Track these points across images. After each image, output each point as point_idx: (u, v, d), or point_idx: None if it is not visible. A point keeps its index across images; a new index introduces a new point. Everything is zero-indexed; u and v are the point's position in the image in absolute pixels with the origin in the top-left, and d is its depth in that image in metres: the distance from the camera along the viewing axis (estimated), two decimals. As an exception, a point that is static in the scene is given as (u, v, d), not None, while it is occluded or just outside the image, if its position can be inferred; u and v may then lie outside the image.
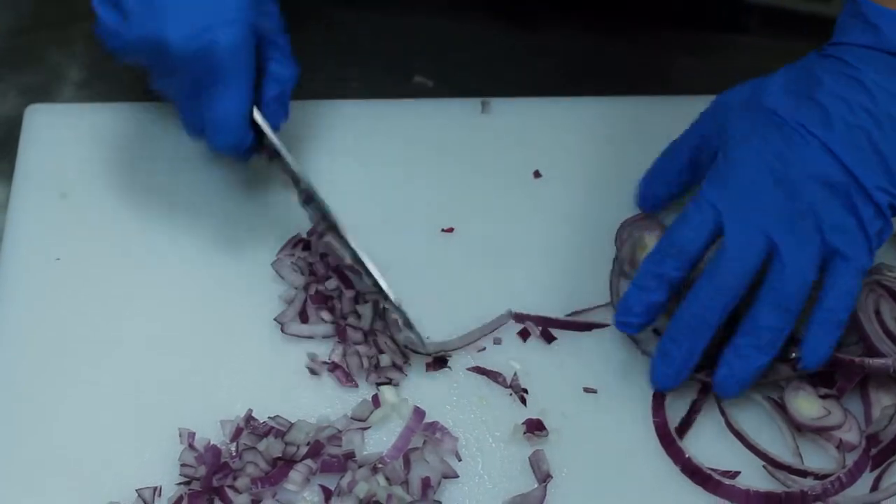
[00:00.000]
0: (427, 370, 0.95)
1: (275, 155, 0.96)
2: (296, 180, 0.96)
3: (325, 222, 0.96)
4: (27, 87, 1.16)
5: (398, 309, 0.93)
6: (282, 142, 0.95)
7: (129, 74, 1.12)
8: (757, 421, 0.94)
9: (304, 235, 1.02)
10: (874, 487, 0.90)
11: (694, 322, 0.89)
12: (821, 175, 0.88)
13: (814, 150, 0.88)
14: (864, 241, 0.88)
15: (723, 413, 0.93)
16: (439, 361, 0.95)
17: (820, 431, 0.92)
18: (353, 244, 0.95)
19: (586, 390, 0.94)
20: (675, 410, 0.94)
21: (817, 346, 0.89)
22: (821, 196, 0.88)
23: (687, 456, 0.91)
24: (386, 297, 0.94)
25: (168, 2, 0.87)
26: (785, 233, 0.87)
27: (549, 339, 0.97)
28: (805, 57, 0.94)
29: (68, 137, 1.07)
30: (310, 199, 0.97)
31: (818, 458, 0.92)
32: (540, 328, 0.97)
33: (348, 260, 0.96)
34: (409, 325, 0.94)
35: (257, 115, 0.94)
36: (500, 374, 0.95)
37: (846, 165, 0.87)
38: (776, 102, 0.91)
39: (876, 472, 0.91)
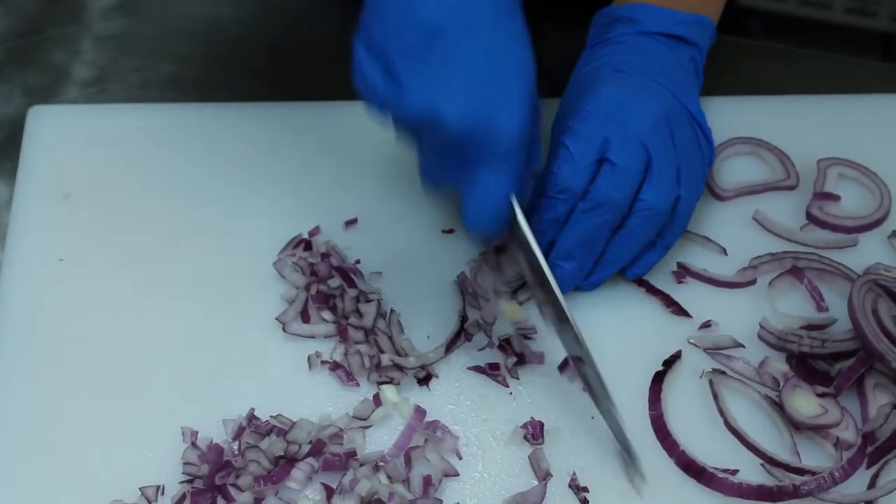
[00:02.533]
0: (419, 385, 0.96)
1: (516, 242, 0.91)
2: (533, 266, 0.91)
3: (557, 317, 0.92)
4: (32, 88, 1.17)
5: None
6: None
7: (135, 76, 1.14)
8: (755, 419, 0.94)
9: (305, 235, 1.02)
10: (871, 485, 0.91)
11: (586, 239, 0.96)
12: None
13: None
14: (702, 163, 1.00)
15: (721, 413, 0.94)
16: (426, 378, 0.96)
17: (817, 430, 0.92)
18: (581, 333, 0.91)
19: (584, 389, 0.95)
20: (672, 404, 0.95)
21: (648, 262, 1.00)
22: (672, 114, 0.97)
23: (681, 449, 0.91)
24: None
25: (449, 74, 0.81)
26: (658, 152, 0.95)
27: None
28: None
29: (71, 138, 1.08)
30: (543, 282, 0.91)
31: (816, 455, 0.92)
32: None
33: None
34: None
35: (514, 202, 0.88)
36: (499, 374, 0.96)
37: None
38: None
39: (873, 470, 0.92)
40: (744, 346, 0.98)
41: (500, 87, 0.82)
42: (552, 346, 0.97)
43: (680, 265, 1.02)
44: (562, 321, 0.91)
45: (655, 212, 0.95)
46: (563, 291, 0.91)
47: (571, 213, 0.95)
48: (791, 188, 1.08)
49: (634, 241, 0.97)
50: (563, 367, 0.97)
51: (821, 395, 0.94)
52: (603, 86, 0.97)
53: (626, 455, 0.90)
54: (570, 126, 0.95)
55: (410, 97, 0.81)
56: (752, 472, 0.91)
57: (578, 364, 0.92)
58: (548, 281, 0.90)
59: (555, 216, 0.96)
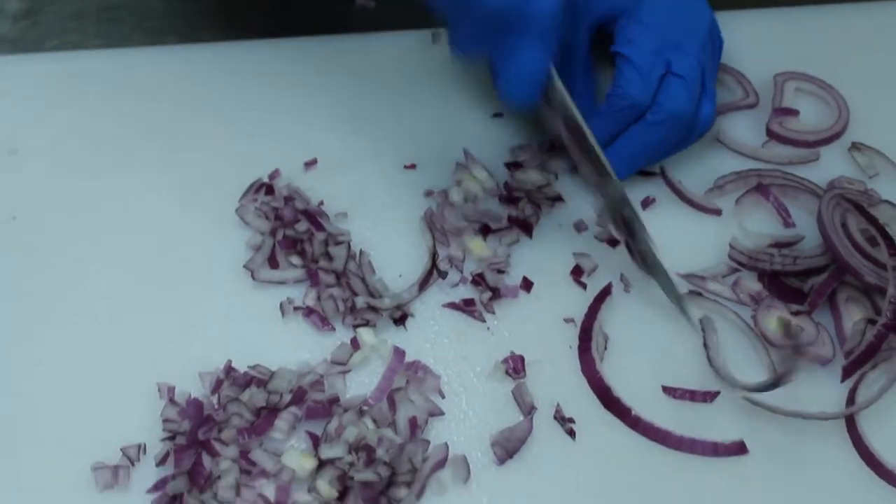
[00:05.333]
0: (396, 326, 0.95)
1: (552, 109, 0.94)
2: (571, 129, 0.95)
3: (598, 177, 0.96)
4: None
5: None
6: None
7: (68, 6, 1.10)
8: (734, 340, 0.95)
9: (266, 179, 1.00)
10: (850, 401, 0.92)
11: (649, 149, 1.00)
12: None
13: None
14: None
15: (706, 347, 0.94)
16: (402, 318, 0.95)
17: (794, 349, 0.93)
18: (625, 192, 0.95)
19: (566, 321, 0.94)
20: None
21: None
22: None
23: (607, 384, 0.92)
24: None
25: None
26: (708, 58, 0.99)
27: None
28: None
29: (10, 90, 1.04)
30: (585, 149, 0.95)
31: (804, 377, 0.93)
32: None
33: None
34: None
35: (552, 69, 0.91)
36: (475, 309, 0.95)
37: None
38: None
39: (850, 384, 0.93)
40: None
41: None
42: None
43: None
44: (602, 175, 0.94)
45: (710, 124, 1.00)
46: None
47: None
48: (751, 106, 1.08)
49: (685, 147, 1.02)
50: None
51: (795, 314, 0.95)
52: None
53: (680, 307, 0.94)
54: (631, 38, 0.97)
55: None
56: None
57: (622, 230, 0.96)
58: (587, 139, 0.93)
59: (617, 129, 0.98)
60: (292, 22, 1.12)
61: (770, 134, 1.06)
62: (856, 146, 1.05)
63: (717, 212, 1.01)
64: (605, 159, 0.94)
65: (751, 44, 1.11)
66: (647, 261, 0.95)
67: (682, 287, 0.96)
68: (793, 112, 1.07)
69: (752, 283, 0.97)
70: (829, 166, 1.04)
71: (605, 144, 0.99)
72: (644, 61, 0.96)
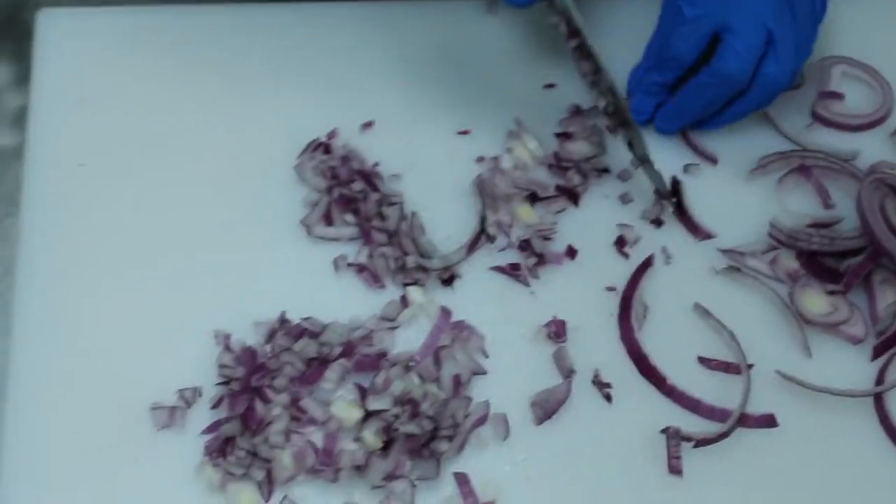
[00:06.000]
0: (443, 286, 0.98)
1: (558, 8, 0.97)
2: (571, 28, 0.98)
3: (595, 75, 0.99)
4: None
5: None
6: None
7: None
8: (768, 316, 0.98)
9: (323, 138, 1.03)
10: (879, 380, 0.95)
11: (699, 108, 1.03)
12: None
13: None
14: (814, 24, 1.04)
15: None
16: (450, 279, 0.98)
17: (827, 327, 0.96)
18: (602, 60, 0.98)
19: (608, 289, 0.98)
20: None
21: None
22: None
23: (644, 352, 0.95)
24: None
25: None
26: (780, 25, 0.98)
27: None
28: None
29: (84, 43, 1.08)
30: (583, 49, 0.98)
31: (828, 350, 0.96)
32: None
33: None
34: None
35: None
36: (520, 273, 0.98)
37: None
38: None
39: (879, 364, 0.96)
40: None
41: None
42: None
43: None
44: (597, 72, 0.98)
45: (778, 86, 1.00)
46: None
47: (680, 79, 1.02)
48: (797, 87, 1.10)
49: (746, 110, 1.03)
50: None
51: (830, 293, 0.97)
52: None
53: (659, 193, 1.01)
54: None
55: None
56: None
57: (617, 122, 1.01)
58: (586, 42, 0.97)
59: (662, 81, 1.01)
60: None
61: (815, 116, 1.08)
62: (899, 132, 1.08)
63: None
64: (603, 62, 0.97)
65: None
66: (635, 152, 1.00)
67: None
68: (838, 95, 1.09)
69: (789, 262, 1.00)
70: (871, 150, 1.07)
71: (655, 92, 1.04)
72: (692, 13, 0.98)
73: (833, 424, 0.93)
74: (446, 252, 0.99)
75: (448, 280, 0.98)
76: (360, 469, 0.88)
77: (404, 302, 0.96)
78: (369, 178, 1.00)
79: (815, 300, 0.97)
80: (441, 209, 1.01)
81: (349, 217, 1.00)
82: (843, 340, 0.97)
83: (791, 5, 0.99)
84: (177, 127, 1.04)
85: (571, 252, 1.00)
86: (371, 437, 0.89)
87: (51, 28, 1.08)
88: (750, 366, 0.94)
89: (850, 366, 0.96)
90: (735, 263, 1.00)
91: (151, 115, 1.04)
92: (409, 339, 0.95)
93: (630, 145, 1.01)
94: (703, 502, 0.90)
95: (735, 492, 0.90)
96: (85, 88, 1.05)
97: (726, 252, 1.00)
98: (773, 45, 0.98)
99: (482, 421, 0.91)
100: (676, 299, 0.98)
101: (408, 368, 0.92)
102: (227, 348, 0.93)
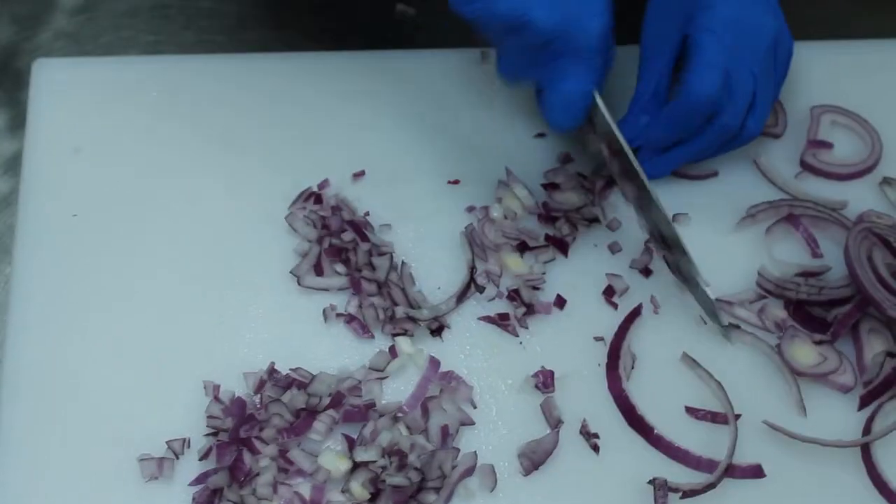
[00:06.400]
0: (432, 336, 0.98)
1: (600, 132, 0.99)
2: (614, 149, 0.99)
3: (640, 198, 1.01)
4: (19, 16, 1.18)
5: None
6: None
7: (122, 4, 1.14)
8: (761, 370, 0.98)
9: (315, 188, 1.04)
10: (866, 430, 0.95)
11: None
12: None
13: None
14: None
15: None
16: (439, 329, 0.99)
17: (817, 378, 0.96)
18: (666, 213, 0.99)
19: (596, 339, 0.98)
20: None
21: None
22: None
23: (632, 402, 0.96)
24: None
25: None
26: (763, 75, 1.01)
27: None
28: None
29: (78, 92, 1.09)
30: (628, 172, 1.00)
31: (821, 400, 0.97)
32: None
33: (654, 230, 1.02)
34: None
35: (597, 95, 0.96)
36: (509, 323, 0.99)
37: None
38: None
39: (867, 413, 0.96)
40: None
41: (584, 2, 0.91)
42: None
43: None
44: (646, 197, 0.99)
45: (754, 137, 1.04)
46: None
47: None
48: (776, 136, 1.11)
49: (722, 153, 1.06)
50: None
51: (818, 343, 0.98)
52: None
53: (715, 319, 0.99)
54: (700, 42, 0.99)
55: (502, 6, 0.89)
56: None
57: (661, 245, 1.02)
58: (633, 166, 0.98)
59: (684, 128, 1.02)
60: (335, 24, 1.15)
61: (804, 165, 1.09)
62: (887, 181, 1.08)
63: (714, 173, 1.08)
64: (649, 183, 0.97)
65: (790, 74, 1.13)
66: (682, 273, 1.00)
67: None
68: (827, 145, 1.10)
69: (777, 311, 1.00)
70: (859, 199, 1.07)
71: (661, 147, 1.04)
72: (712, 57, 0.99)
73: (820, 474, 0.93)
74: (436, 302, 0.99)
75: (437, 330, 0.98)
76: (347, 520, 0.89)
77: (393, 352, 0.97)
78: (360, 228, 1.01)
79: (804, 351, 0.98)
80: (431, 259, 1.02)
81: (339, 267, 1.00)
82: (833, 389, 0.97)
83: (774, 58, 1.02)
84: (168, 177, 1.05)
85: (560, 302, 1.00)
86: (359, 488, 0.89)
87: (46, 77, 1.09)
88: (738, 416, 0.94)
89: (837, 415, 0.96)
90: (731, 321, 1.00)
91: (143, 164, 1.05)
92: (397, 390, 0.96)
93: (677, 268, 1.01)
94: (690, 554, 0.90)
95: (722, 542, 0.91)
96: (79, 137, 1.06)
97: (714, 301, 1.00)
98: (755, 102, 1.01)
99: (470, 472, 0.92)
100: (664, 349, 0.99)
101: (396, 419, 0.93)
102: (217, 399, 0.94)
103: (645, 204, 1.00)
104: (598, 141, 1.00)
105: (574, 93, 0.94)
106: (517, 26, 0.90)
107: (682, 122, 1.01)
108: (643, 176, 0.97)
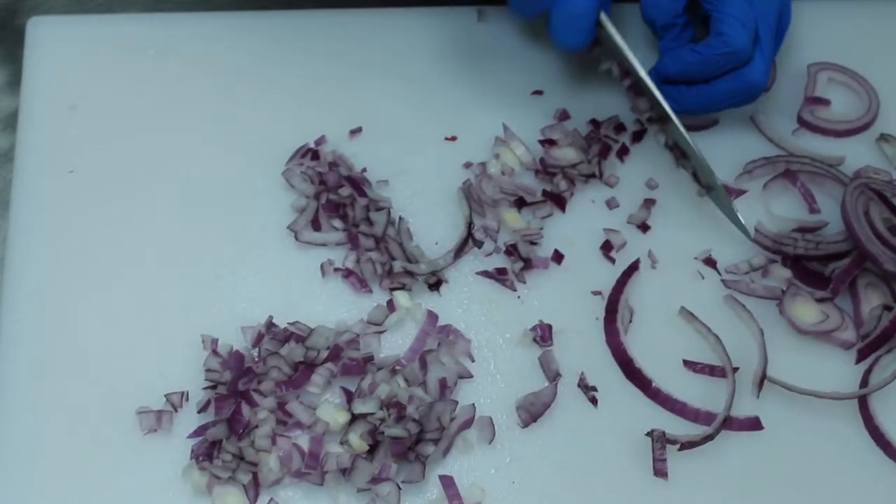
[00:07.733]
0: (430, 291, 0.98)
1: (609, 50, 1.03)
2: (630, 72, 1.02)
3: (655, 110, 1.04)
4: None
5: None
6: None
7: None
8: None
9: (312, 145, 1.04)
10: (863, 383, 0.95)
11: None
12: None
13: None
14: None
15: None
16: (437, 283, 0.99)
17: (820, 335, 0.97)
18: (683, 130, 1.01)
19: (593, 293, 0.98)
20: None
21: None
22: None
23: (629, 356, 0.96)
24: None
25: None
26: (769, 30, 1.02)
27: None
28: None
29: (73, 49, 1.08)
30: (639, 90, 1.03)
31: (812, 354, 0.97)
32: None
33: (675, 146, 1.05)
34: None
35: (603, 15, 0.98)
36: (507, 278, 0.99)
37: None
38: None
39: (864, 366, 0.96)
40: None
41: None
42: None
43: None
44: (658, 111, 1.02)
45: (762, 83, 1.02)
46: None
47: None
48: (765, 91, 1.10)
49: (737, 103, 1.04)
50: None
51: (819, 301, 0.98)
52: None
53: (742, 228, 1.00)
54: None
55: None
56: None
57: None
58: (642, 79, 1.00)
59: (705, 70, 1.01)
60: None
61: (801, 122, 1.09)
62: (884, 137, 1.08)
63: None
64: (660, 95, 1.00)
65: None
66: (700, 180, 1.02)
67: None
68: (824, 101, 1.10)
69: (782, 271, 1.00)
70: (857, 155, 1.07)
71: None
72: (742, 13, 0.99)
73: (818, 427, 0.94)
74: (433, 257, 0.99)
75: (435, 285, 0.98)
76: (345, 472, 0.89)
77: (391, 306, 0.97)
78: (357, 183, 1.01)
79: (806, 309, 0.98)
80: (428, 215, 1.02)
81: (337, 222, 1.00)
82: (836, 346, 0.97)
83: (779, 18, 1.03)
84: (165, 133, 1.05)
85: (558, 257, 1.00)
86: (357, 440, 0.89)
87: (42, 35, 1.09)
88: (735, 369, 0.95)
89: (834, 368, 0.96)
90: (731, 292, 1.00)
91: (140, 121, 1.05)
92: (395, 344, 0.96)
93: (695, 175, 1.03)
94: (687, 505, 0.90)
95: (720, 494, 0.91)
96: (75, 94, 1.06)
97: (706, 260, 1.01)
98: (759, 54, 1.00)
99: (468, 424, 0.92)
100: (662, 303, 0.99)
101: (394, 372, 0.93)
102: (215, 352, 0.94)
103: (655, 113, 1.04)
104: (607, 61, 1.04)
105: (578, 10, 0.96)
106: None
107: (712, 65, 1.00)
108: (654, 88, 1.00)
